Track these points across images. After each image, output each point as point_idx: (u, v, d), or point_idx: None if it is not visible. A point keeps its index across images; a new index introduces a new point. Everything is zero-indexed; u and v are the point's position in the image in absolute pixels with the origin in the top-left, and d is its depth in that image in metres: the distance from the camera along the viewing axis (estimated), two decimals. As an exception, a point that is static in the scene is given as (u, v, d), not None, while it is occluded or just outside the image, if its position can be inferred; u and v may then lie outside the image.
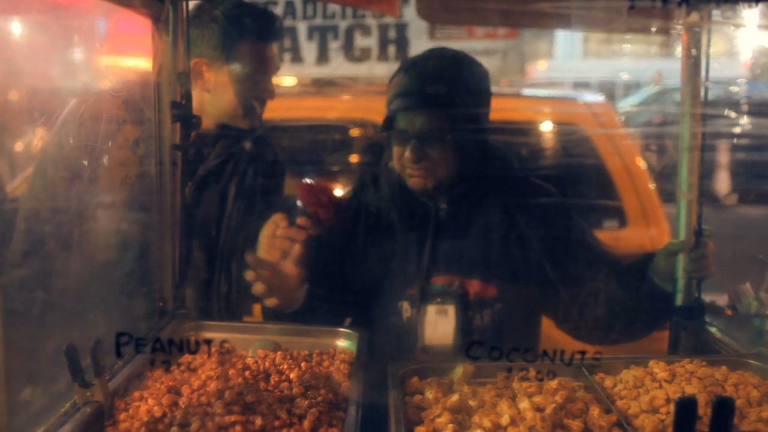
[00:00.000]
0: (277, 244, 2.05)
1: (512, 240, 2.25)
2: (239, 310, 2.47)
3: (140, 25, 2.00)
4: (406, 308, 2.23)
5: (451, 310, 2.13)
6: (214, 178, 2.40)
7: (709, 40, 2.13)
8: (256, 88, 2.35)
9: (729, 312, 2.35)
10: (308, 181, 2.08)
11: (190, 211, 2.33)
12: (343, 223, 2.10)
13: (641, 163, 4.39)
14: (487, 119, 2.29)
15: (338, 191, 2.10)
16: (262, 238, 2.09)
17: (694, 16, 2.06)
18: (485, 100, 2.28)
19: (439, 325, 2.12)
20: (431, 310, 2.15)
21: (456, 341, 2.12)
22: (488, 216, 2.26)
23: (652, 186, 4.30)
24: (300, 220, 2.05)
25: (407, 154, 2.15)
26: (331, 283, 2.24)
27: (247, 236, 2.29)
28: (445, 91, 2.15)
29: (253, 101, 2.35)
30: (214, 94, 2.34)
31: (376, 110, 4.37)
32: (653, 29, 2.13)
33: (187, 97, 2.09)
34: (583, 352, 1.72)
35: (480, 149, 2.29)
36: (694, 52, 2.12)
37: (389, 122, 2.19)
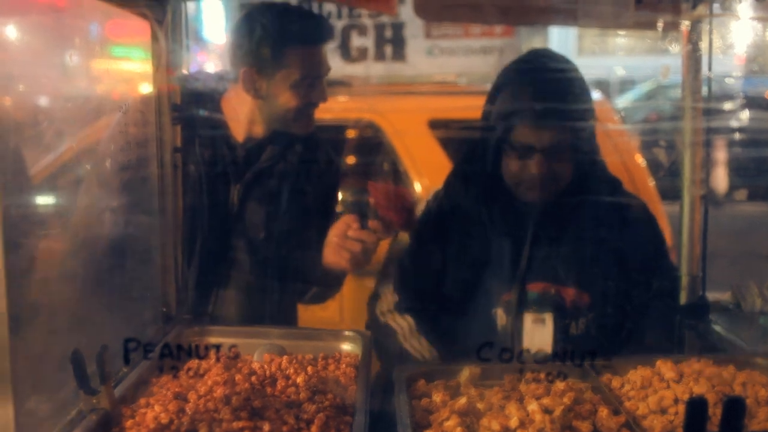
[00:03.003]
0: (348, 245, 2.05)
1: (606, 249, 2.22)
2: (285, 314, 2.46)
3: (140, 27, 1.99)
4: (500, 315, 2.19)
5: (548, 318, 2.10)
6: (264, 181, 2.38)
7: (711, 34, 2.13)
8: (308, 92, 2.30)
9: (733, 310, 2.34)
10: (383, 183, 2.06)
11: (237, 213, 2.33)
12: (411, 228, 2.08)
13: (640, 160, 4.39)
14: (595, 131, 2.27)
15: (410, 195, 2.08)
16: (332, 237, 2.09)
17: (701, 9, 2.05)
18: (594, 111, 2.25)
19: (537, 333, 2.09)
20: (528, 318, 2.12)
21: (553, 350, 2.09)
22: (582, 223, 2.23)
23: (651, 183, 4.30)
24: (372, 224, 2.04)
25: (533, 169, 2.09)
26: (421, 289, 2.24)
27: (300, 240, 2.27)
28: (568, 103, 2.11)
29: (306, 106, 2.32)
30: (266, 102, 2.31)
31: (373, 110, 4.38)
32: (660, 23, 2.13)
33: (188, 99, 2.09)
34: (592, 353, 1.72)
35: (590, 160, 2.25)
36: (696, 46, 2.12)
37: (505, 135, 2.12)
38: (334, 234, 2.10)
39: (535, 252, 2.20)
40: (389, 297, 2.28)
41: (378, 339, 2.17)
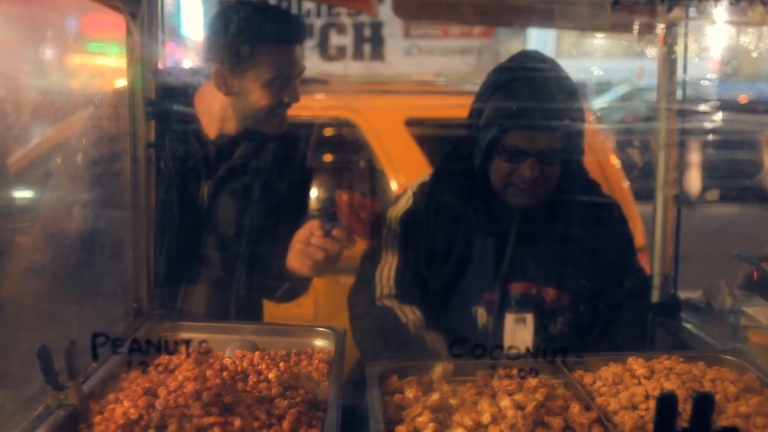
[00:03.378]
0: (310, 252, 2.03)
1: (585, 250, 2.24)
2: (252, 311, 2.45)
3: (114, 21, 1.97)
4: (481, 314, 2.20)
5: (529, 318, 2.11)
6: (236, 178, 2.36)
7: (686, 38, 2.15)
8: (280, 92, 2.28)
9: (704, 308, 2.37)
10: (350, 193, 2.05)
11: (207, 210, 2.31)
12: (374, 238, 2.07)
13: (615, 161, 4.42)
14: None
15: (376, 207, 2.07)
16: (295, 243, 2.07)
17: (677, 12, 2.07)
18: (584, 116, 2.25)
19: (518, 333, 2.09)
20: (510, 318, 2.12)
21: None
22: (563, 224, 2.24)
23: (625, 184, 4.33)
24: (336, 232, 2.03)
25: (526, 172, 2.09)
26: (410, 284, 2.23)
27: (271, 238, 2.26)
28: (561, 107, 2.11)
29: (278, 105, 2.29)
30: (238, 99, 2.28)
31: (350, 108, 4.38)
32: (636, 26, 2.14)
33: (162, 94, 2.07)
34: (564, 350, 1.73)
35: (576, 163, 2.26)
36: (672, 49, 2.14)
37: (497, 139, 2.11)
38: (297, 240, 2.08)
39: (517, 252, 2.21)
40: (385, 285, 2.27)
41: (378, 327, 2.19)
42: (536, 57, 2.25)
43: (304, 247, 2.06)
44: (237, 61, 2.25)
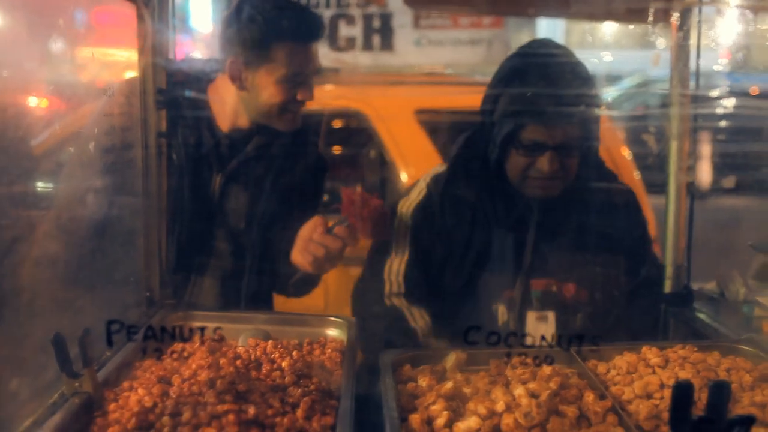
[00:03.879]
0: (311, 248, 2.02)
1: (604, 244, 2.20)
2: (262, 304, 2.43)
3: (126, 12, 1.97)
4: (502, 312, 2.17)
5: (551, 316, 2.09)
6: (248, 171, 2.34)
7: (700, 24, 2.13)
8: (293, 89, 2.25)
9: (718, 299, 2.36)
10: (353, 190, 2.03)
11: (218, 202, 2.31)
12: (381, 238, 2.04)
13: (626, 153, 4.41)
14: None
15: (382, 205, 2.04)
16: (298, 239, 2.06)
17: (692, -4, 2.05)
18: (600, 107, 2.20)
19: (539, 331, 2.07)
20: (531, 316, 2.10)
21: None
22: (581, 218, 2.21)
23: (637, 176, 4.32)
24: (337, 230, 2.01)
25: (544, 166, 2.05)
26: (425, 279, 2.21)
27: (282, 232, 2.23)
28: (582, 98, 2.08)
29: (291, 103, 2.27)
30: (251, 95, 2.26)
31: (359, 99, 4.37)
32: (651, 11, 2.13)
33: (172, 83, 2.07)
34: (580, 337, 1.72)
35: (594, 153, 2.23)
36: (686, 35, 2.12)
37: (515, 132, 2.07)
38: (300, 234, 2.07)
39: (537, 247, 2.18)
40: (394, 282, 2.24)
41: (384, 328, 2.17)
42: (550, 44, 2.21)
43: (305, 243, 2.04)
44: (252, 56, 2.23)
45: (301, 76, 2.27)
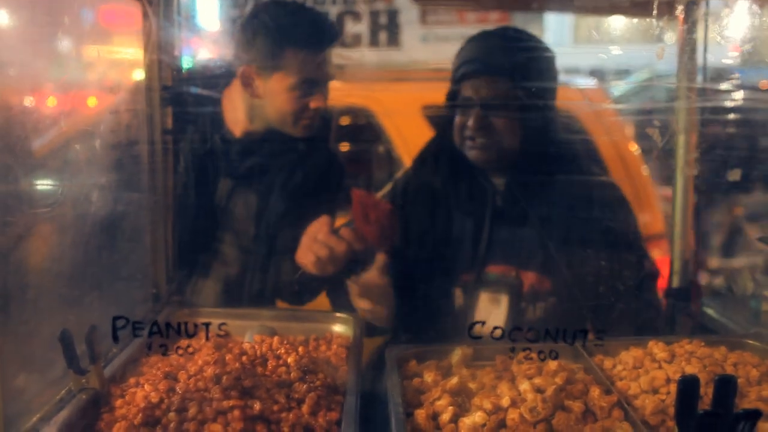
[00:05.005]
0: (315, 248, 1.99)
1: (571, 233, 2.19)
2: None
3: (130, 8, 1.97)
4: (458, 295, 2.18)
5: (504, 299, 2.08)
6: (259, 177, 2.34)
7: (707, 17, 2.12)
8: (306, 97, 2.24)
9: (725, 294, 2.35)
10: (363, 193, 2.01)
11: (225, 206, 2.30)
12: (387, 244, 2.04)
13: (634, 148, 4.39)
14: (553, 100, 2.24)
15: (391, 210, 2.03)
16: (304, 237, 2.04)
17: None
18: (551, 77, 2.23)
19: (491, 313, 2.07)
20: (484, 297, 2.10)
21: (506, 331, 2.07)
22: (547, 205, 2.20)
23: (645, 171, 4.30)
24: (343, 231, 1.99)
25: (470, 122, 2.11)
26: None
27: (290, 238, 2.19)
28: (510, 57, 2.13)
29: (304, 110, 2.26)
30: (264, 101, 2.25)
31: (367, 96, 4.37)
32: (656, 4, 2.11)
33: (179, 80, 2.07)
34: (585, 332, 1.71)
35: (543, 130, 2.23)
36: (692, 27, 2.11)
37: (453, 93, 2.17)
38: (306, 234, 2.04)
39: (496, 234, 2.18)
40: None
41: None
42: (508, 27, 2.33)
43: (310, 242, 2.01)
44: (264, 64, 2.22)
45: (315, 84, 2.25)
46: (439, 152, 2.29)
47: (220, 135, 2.32)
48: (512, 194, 2.20)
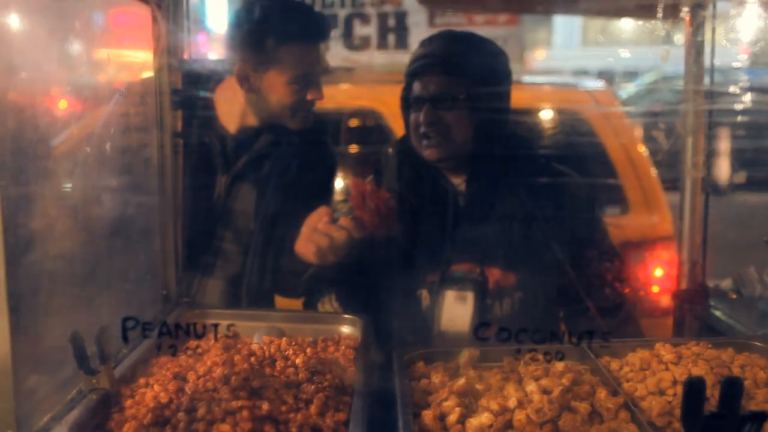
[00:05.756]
0: (315, 238, 2.02)
1: (534, 228, 2.21)
2: (264, 306, 2.42)
3: (140, 11, 1.99)
4: (425, 296, 2.20)
5: (470, 297, 2.09)
6: (255, 172, 2.35)
7: (714, 19, 2.12)
8: (303, 90, 2.27)
9: (733, 296, 2.34)
10: (363, 182, 2.03)
11: (224, 203, 2.31)
12: (387, 233, 2.06)
13: (642, 150, 4.38)
14: (507, 100, 2.26)
15: (391, 198, 2.05)
16: (304, 227, 2.06)
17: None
18: (502, 77, 2.26)
19: (457, 311, 2.08)
20: (450, 296, 2.11)
21: (473, 328, 2.08)
22: (508, 203, 2.23)
23: (653, 173, 4.29)
24: (343, 221, 2.02)
25: (421, 117, 2.15)
26: (350, 268, 2.21)
27: (290, 232, 2.21)
28: (459, 55, 2.18)
29: (301, 103, 2.28)
30: (260, 97, 2.28)
31: (375, 98, 4.38)
32: (660, 7, 2.12)
33: (189, 83, 2.09)
34: (591, 333, 1.72)
35: (497, 127, 2.26)
36: (698, 29, 2.11)
37: (407, 94, 2.21)
38: (306, 224, 2.07)
39: (459, 233, 2.21)
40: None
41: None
42: (455, 30, 2.34)
43: (310, 232, 2.03)
44: (260, 59, 2.24)
45: (310, 77, 2.28)
46: (402, 156, 2.33)
47: (216, 132, 2.34)
48: (472, 193, 2.24)
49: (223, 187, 2.34)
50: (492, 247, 2.20)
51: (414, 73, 2.20)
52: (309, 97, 2.29)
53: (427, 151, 2.18)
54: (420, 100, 2.17)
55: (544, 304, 2.22)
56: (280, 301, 2.47)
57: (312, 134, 2.42)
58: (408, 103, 2.22)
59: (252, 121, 2.34)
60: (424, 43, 2.25)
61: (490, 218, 2.22)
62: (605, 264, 2.25)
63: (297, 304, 2.43)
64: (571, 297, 2.24)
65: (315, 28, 2.33)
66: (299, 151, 2.38)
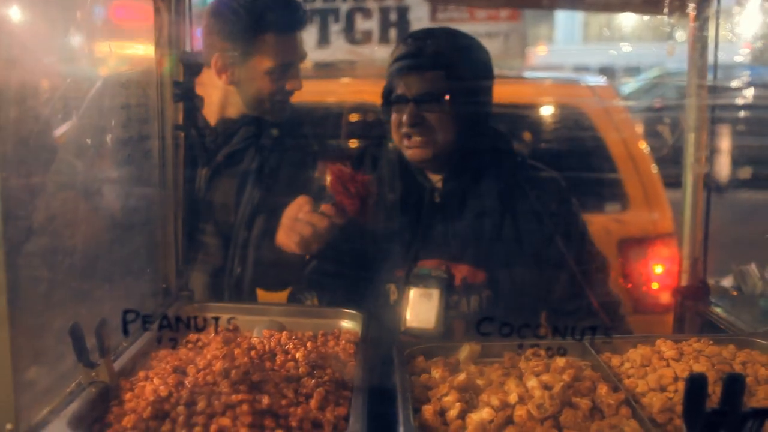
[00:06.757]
0: (297, 227, 2.01)
1: (507, 227, 2.22)
2: (247, 297, 2.42)
3: (142, 3, 1.98)
4: (392, 291, 2.21)
5: (435, 293, 2.03)
6: (234, 164, 2.36)
7: (718, 14, 2.11)
8: (282, 80, 2.28)
9: (734, 293, 2.34)
10: (340, 167, 2.03)
11: (203, 196, 2.31)
12: (365, 216, 2.05)
13: (643, 147, 4.37)
14: (489, 98, 2.25)
15: (368, 182, 2.05)
16: (284, 219, 2.05)
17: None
18: (484, 75, 2.25)
19: (422, 308, 2.05)
20: (415, 292, 2.07)
21: (438, 326, 2.06)
22: (484, 200, 2.23)
23: (654, 170, 4.29)
24: (324, 207, 2.01)
25: (404, 118, 2.13)
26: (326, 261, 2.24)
27: (269, 224, 2.23)
28: (442, 54, 2.15)
29: (280, 93, 2.29)
30: (239, 88, 2.29)
31: (377, 93, 4.37)
32: (667, 2, 2.11)
33: (190, 75, 2.08)
34: (593, 329, 1.71)
35: (479, 125, 2.26)
36: (703, 25, 2.11)
37: (388, 92, 2.19)
38: (286, 215, 2.06)
39: (430, 228, 2.21)
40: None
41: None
42: (437, 27, 2.36)
43: (291, 223, 2.02)
44: (238, 50, 2.25)
45: (289, 66, 2.29)
46: (378, 150, 2.33)
47: (195, 125, 2.33)
48: (450, 190, 2.23)
49: (203, 181, 2.33)
50: (463, 244, 2.20)
51: (396, 71, 2.17)
52: (288, 87, 2.30)
53: (410, 151, 2.18)
54: (403, 99, 2.15)
55: (514, 302, 2.20)
56: (262, 295, 2.47)
57: (290, 126, 2.43)
58: (389, 101, 2.20)
59: (231, 112, 2.35)
60: (406, 41, 2.22)
61: (465, 215, 2.23)
62: (583, 261, 2.25)
63: (280, 297, 2.43)
64: (543, 295, 2.25)
65: (292, 17, 2.33)
66: (278, 143, 2.38)
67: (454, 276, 2.12)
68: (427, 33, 2.25)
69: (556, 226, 2.25)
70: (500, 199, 2.23)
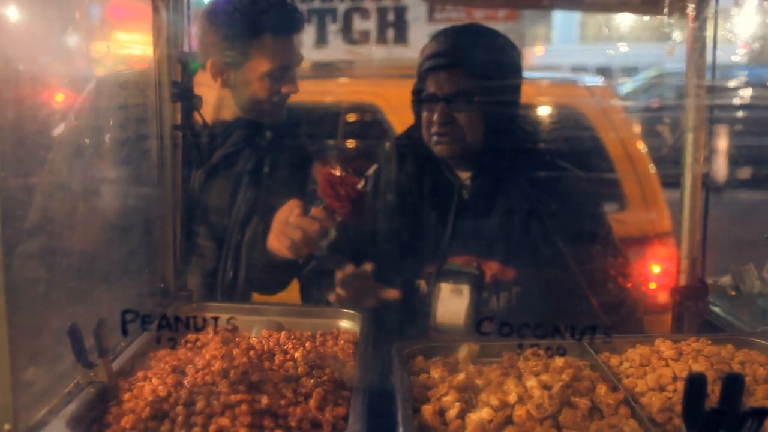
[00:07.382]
0: (288, 231, 1.99)
1: (536, 224, 2.20)
2: (241, 300, 2.41)
3: (140, 3, 1.98)
4: (422, 287, 2.20)
5: (465, 290, 2.08)
6: (229, 166, 2.35)
7: (716, 14, 2.12)
8: (278, 83, 2.28)
9: (732, 292, 2.34)
10: (329, 170, 2.02)
11: (198, 198, 2.31)
12: (359, 219, 2.05)
13: (641, 147, 4.38)
14: (518, 96, 2.25)
15: (359, 185, 2.04)
16: (275, 222, 2.04)
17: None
18: (515, 75, 2.24)
19: (452, 304, 2.07)
20: (446, 288, 2.11)
21: (468, 322, 2.07)
22: (512, 198, 2.22)
23: (652, 170, 4.29)
24: (315, 211, 2.00)
25: (435, 116, 2.13)
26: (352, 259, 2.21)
27: (262, 227, 2.22)
28: (473, 53, 2.15)
29: (276, 96, 2.29)
30: (235, 92, 2.29)
31: (374, 93, 4.37)
32: (666, 2, 2.11)
33: (187, 75, 2.08)
34: (593, 329, 1.71)
35: (508, 123, 2.26)
36: (702, 25, 2.11)
37: (419, 90, 2.19)
38: (276, 219, 2.04)
39: (459, 224, 2.21)
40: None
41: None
42: (470, 24, 2.33)
43: (282, 227, 2.01)
44: (234, 54, 2.24)
45: (285, 69, 2.28)
46: (407, 147, 2.32)
47: (190, 128, 2.32)
48: (478, 187, 2.23)
49: (197, 183, 2.33)
50: (492, 241, 2.20)
51: (428, 69, 2.16)
52: (284, 90, 2.30)
53: (438, 147, 2.17)
54: (434, 98, 2.15)
55: (543, 299, 2.20)
56: (256, 297, 2.45)
57: (286, 128, 2.42)
58: (420, 99, 2.19)
59: (226, 114, 2.34)
60: (437, 38, 2.21)
61: (493, 212, 2.22)
62: (608, 260, 2.25)
63: (280, 297, 2.43)
64: (572, 293, 2.24)
65: (288, 21, 2.32)
66: (273, 145, 2.38)
67: (484, 273, 2.13)
68: (458, 30, 2.24)
69: (583, 225, 2.26)
70: (527, 197, 2.22)
